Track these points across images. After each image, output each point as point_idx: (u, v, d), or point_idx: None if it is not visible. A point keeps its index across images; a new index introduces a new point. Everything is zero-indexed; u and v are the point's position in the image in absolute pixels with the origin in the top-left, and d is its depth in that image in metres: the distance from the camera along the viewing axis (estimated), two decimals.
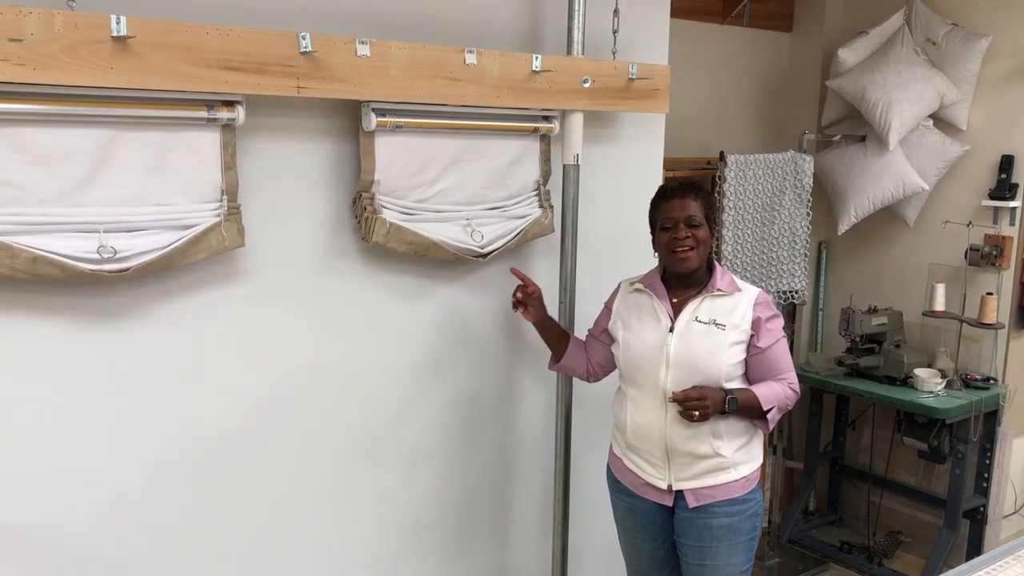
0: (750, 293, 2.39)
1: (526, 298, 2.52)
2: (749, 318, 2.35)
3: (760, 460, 2.46)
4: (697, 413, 2.25)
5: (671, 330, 2.37)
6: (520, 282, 2.54)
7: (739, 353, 2.35)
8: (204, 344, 2.20)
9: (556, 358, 2.65)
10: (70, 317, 2.00)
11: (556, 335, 2.62)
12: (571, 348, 2.62)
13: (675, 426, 2.36)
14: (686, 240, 2.33)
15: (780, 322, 2.41)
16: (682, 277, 2.40)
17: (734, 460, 2.38)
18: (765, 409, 2.32)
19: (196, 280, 2.16)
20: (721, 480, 2.38)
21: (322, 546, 2.50)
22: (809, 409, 4.30)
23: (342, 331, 2.43)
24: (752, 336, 2.35)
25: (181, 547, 2.25)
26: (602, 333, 2.57)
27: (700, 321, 2.35)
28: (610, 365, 2.59)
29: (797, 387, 2.41)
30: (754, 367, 2.37)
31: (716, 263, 2.45)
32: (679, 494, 2.41)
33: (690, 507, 2.40)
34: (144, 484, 2.16)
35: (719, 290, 2.37)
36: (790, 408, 2.41)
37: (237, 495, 2.32)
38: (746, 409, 2.32)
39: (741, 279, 2.46)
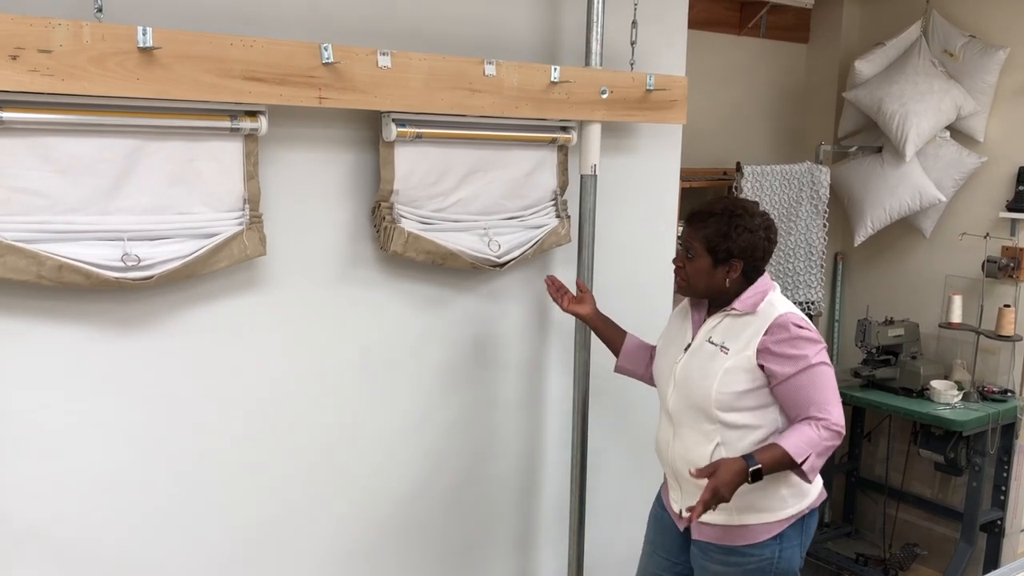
0: (768, 316, 2.16)
1: (580, 295, 2.56)
2: (755, 345, 2.14)
3: (784, 514, 2.21)
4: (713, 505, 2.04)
5: (687, 348, 2.29)
6: (557, 288, 2.58)
7: (740, 382, 2.15)
8: (226, 351, 2.22)
9: (616, 355, 2.57)
10: (94, 324, 2.02)
11: (611, 331, 2.57)
12: (628, 345, 2.54)
13: (678, 448, 2.27)
14: (677, 271, 2.28)
15: (811, 347, 2.12)
16: (714, 296, 2.26)
17: (737, 504, 2.12)
18: (799, 461, 2.05)
19: (218, 288, 2.18)
20: (718, 521, 2.22)
21: (338, 550, 2.51)
22: None
23: (361, 339, 2.45)
24: (763, 366, 2.14)
25: (200, 552, 2.26)
26: None
27: (712, 342, 2.22)
28: None
29: (837, 423, 2.09)
30: (780, 398, 2.16)
31: (760, 280, 2.23)
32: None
33: (692, 537, 2.30)
34: (165, 489, 2.18)
35: (734, 309, 2.21)
36: (834, 448, 2.11)
37: (255, 500, 2.33)
38: (777, 467, 2.07)
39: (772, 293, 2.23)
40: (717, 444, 2.19)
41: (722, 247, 2.18)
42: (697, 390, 2.20)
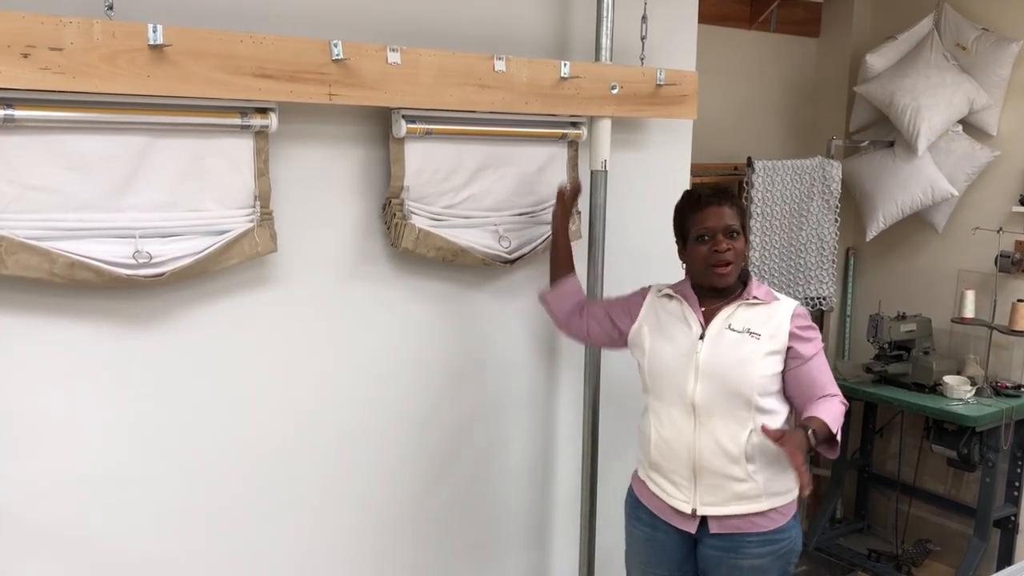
0: (788, 304, 2.26)
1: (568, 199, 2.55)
2: (786, 329, 2.20)
3: (795, 493, 2.25)
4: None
5: (702, 337, 2.23)
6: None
7: (774, 364, 2.20)
8: (237, 347, 2.23)
9: (551, 283, 2.54)
10: (106, 321, 2.03)
11: (566, 256, 2.53)
12: (568, 286, 2.51)
13: (704, 440, 2.21)
14: (727, 253, 2.20)
15: (818, 334, 2.27)
16: (715, 288, 2.27)
17: (767, 489, 2.20)
18: (835, 432, 2.13)
19: (229, 285, 2.19)
20: (750, 509, 2.21)
21: (350, 546, 2.52)
22: None
23: (371, 335, 2.45)
24: (791, 348, 2.20)
25: (212, 548, 2.27)
26: (611, 318, 2.43)
27: (733, 329, 2.21)
28: (600, 340, 2.50)
29: (844, 400, 2.24)
30: (794, 380, 2.21)
31: (750, 272, 2.35)
32: (703, 521, 2.25)
33: (712, 532, 2.25)
34: (177, 485, 2.19)
35: (755, 298, 2.24)
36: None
37: (268, 497, 2.34)
38: (822, 440, 2.13)
39: (770, 287, 2.36)
40: (751, 430, 2.19)
41: (744, 222, 2.29)
42: (737, 377, 2.18)
